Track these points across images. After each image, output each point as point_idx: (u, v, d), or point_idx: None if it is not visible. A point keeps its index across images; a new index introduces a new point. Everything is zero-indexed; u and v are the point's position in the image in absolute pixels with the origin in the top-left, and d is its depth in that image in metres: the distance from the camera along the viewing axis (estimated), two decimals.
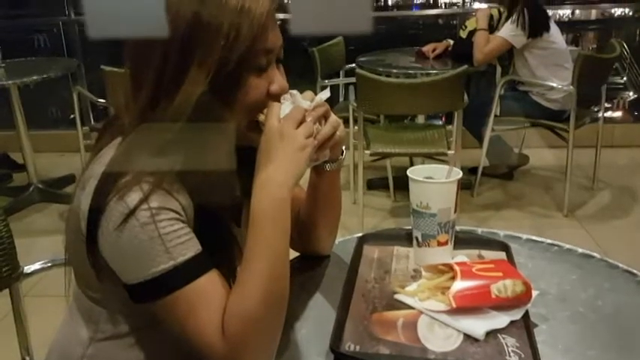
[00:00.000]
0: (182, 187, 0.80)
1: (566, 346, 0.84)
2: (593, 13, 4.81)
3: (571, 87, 2.97)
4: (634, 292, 0.98)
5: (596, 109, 3.34)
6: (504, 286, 0.87)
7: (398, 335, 0.85)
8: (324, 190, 1.02)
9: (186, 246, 0.78)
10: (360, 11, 0.31)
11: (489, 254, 1.06)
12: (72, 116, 3.38)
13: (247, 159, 0.85)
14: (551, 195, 3.36)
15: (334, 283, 1.00)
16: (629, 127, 4.27)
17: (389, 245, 1.11)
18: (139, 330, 0.89)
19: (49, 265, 1.28)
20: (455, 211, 1.00)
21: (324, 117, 0.87)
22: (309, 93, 0.88)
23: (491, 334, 0.84)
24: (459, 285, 0.87)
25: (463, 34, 3.40)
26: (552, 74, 3.14)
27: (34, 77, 3.13)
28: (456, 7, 4.57)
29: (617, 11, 4.67)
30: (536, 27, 3.08)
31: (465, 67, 2.71)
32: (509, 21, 3.12)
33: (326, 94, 0.89)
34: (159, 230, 0.76)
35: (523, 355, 0.79)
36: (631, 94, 4.32)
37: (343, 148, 0.98)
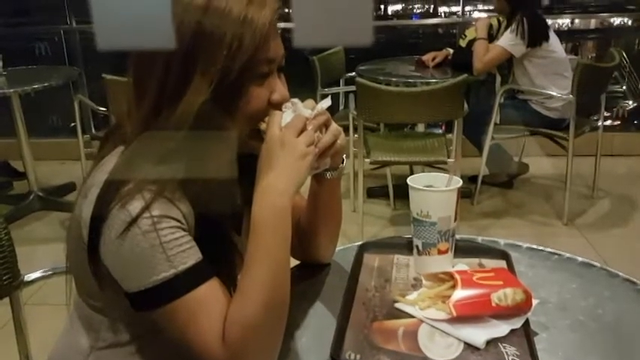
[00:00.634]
0: (183, 195, 0.80)
1: (567, 355, 0.84)
2: (593, 23, 4.83)
3: (570, 96, 2.98)
4: (634, 301, 0.98)
5: (595, 118, 3.35)
6: (505, 295, 0.87)
7: (398, 344, 0.85)
8: (325, 198, 1.02)
9: (188, 254, 0.78)
10: (361, 23, 0.31)
11: (490, 263, 1.06)
12: (72, 124, 3.38)
13: (248, 167, 0.85)
14: (551, 203, 3.36)
15: (334, 292, 1.00)
16: (628, 135, 4.28)
17: (389, 253, 1.11)
18: (140, 338, 0.89)
19: (50, 273, 1.28)
20: (455, 220, 1.01)
21: (325, 125, 0.88)
22: (310, 101, 0.88)
23: (491, 342, 0.84)
24: (460, 294, 0.87)
25: (463, 43, 3.41)
26: (552, 83, 3.15)
27: (36, 85, 3.13)
28: (455, 17, 4.59)
29: (617, 20, 4.69)
30: (536, 36, 3.09)
31: (465, 75, 2.72)
32: (509, 30, 3.13)
33: (327, 102, 0.89)
34: (160, 238, 0.76)
35: None
36: (630, 102, 4.32)
37: (344, 156, 0.98)
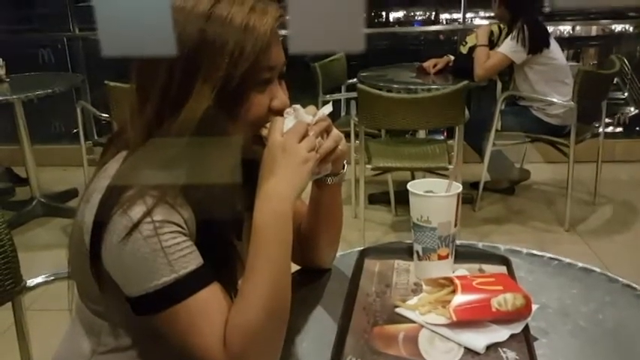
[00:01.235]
0: (185, 200, 0.81)
1: None
2: (594, 29, 4.84)
3: (571, 102, 2.99)
4: (634, 306, 0.98)
5: (596, 125, 3.35)
6: (505, 300, 0.88)
7: (399, 349, 0.85)
8: (326, 204, 1.02)
9: (188, 259, 0.78)
10: (352, 30, 0.32)
11: (490, 268, 1.06)
12: (75, 131, 3.39)
13: (249, 173, 0.86)
14: (553, 210, 3.36)
15: (335, 297, 1.00)
16: (629, 142, 4.28)
17: (390, 259, 1.12)
18: (141, 343, 0.89)
19: (52, 278, 1.28)
20: (455, 225, 1.01)
21: (326, 131, 0.88)
22: (311, 108, 0.89)
23: (491, 347, 0.84)
24: (460, 299, 0.88)
25: (464, 50, 3.42)
26: (553, 90, 3.16)
27: (39, 92, 3.14)
28: (456, 24, 4.60)
29: (618, 27, 4.70)
30: (536, 43, 3.10)
31: (466, 82, 2.73)
32: (510, 37, 3.14)
33: (328, 108, 0.90)
34: (161, 243, 0.77)
35: None
36: (632, 109, 4.33)
37: (345, 162, 0.99)
